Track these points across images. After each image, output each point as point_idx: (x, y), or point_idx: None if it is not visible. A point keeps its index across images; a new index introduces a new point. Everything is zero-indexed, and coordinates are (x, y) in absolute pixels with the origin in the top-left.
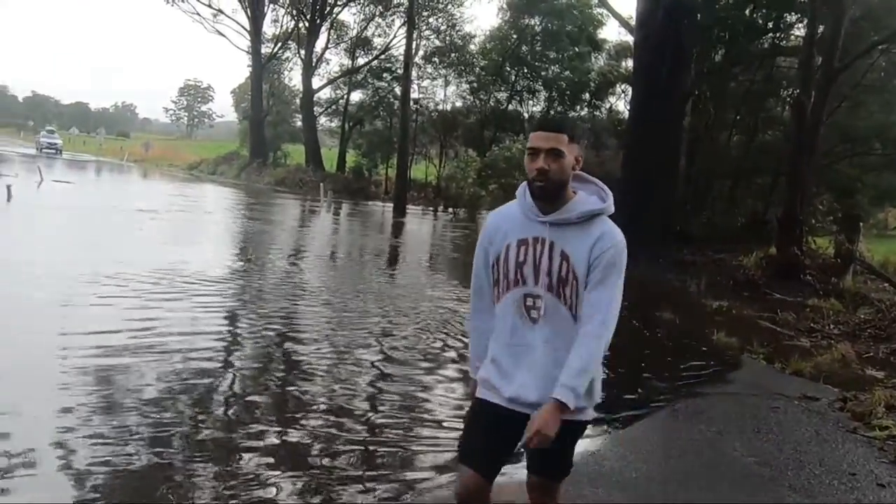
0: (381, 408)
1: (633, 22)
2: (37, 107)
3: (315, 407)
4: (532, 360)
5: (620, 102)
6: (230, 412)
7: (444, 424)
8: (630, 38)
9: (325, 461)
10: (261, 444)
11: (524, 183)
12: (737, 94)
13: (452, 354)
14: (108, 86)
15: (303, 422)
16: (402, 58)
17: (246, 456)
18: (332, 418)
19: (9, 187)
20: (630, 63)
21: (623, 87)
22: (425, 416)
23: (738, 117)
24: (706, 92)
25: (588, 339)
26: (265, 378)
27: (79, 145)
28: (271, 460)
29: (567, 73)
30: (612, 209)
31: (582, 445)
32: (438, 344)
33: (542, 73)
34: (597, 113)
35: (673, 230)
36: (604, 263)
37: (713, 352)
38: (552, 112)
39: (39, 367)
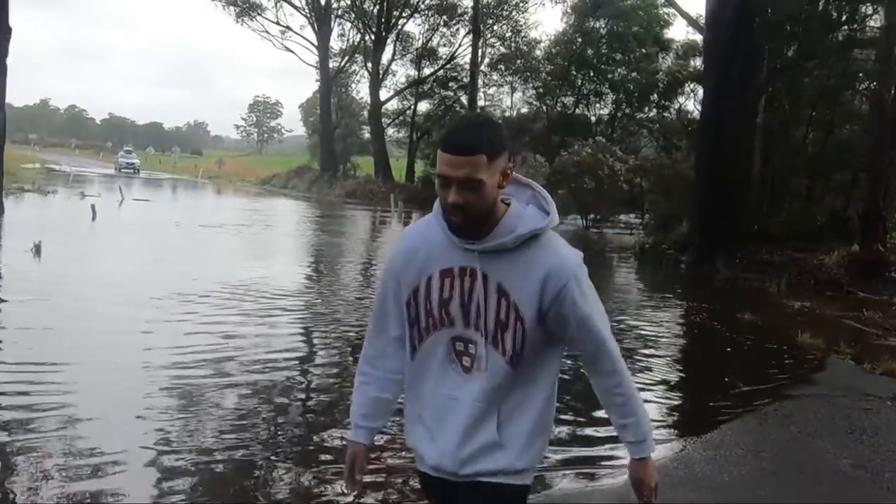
0: None
1: (701, 21)
2: (114, 128)
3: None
4: (457, 419)
5: (690, 102)
6: (307, 417)
7: None
8: (698, 37)
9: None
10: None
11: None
12: (812, 89)
13: None
14: (181, 105)
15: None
16: (467, 66)
17: (323, 458)
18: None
19: (93, 206)
20: (699, 62)
21: (692, 86)
22: None
23: (813, 113)
24: (780, 88)
25: (621, 392)
26: (339, 385)
27: (155, 164)
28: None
29: (634, 74)
30: (555, 223)
31: (670, 449)
32: None
33: (609, 76)
34: (666, 114)
35: (750, 230)
36: (570, 303)
37: (798, 353)
38: (465, 122)
39: (125, 377)
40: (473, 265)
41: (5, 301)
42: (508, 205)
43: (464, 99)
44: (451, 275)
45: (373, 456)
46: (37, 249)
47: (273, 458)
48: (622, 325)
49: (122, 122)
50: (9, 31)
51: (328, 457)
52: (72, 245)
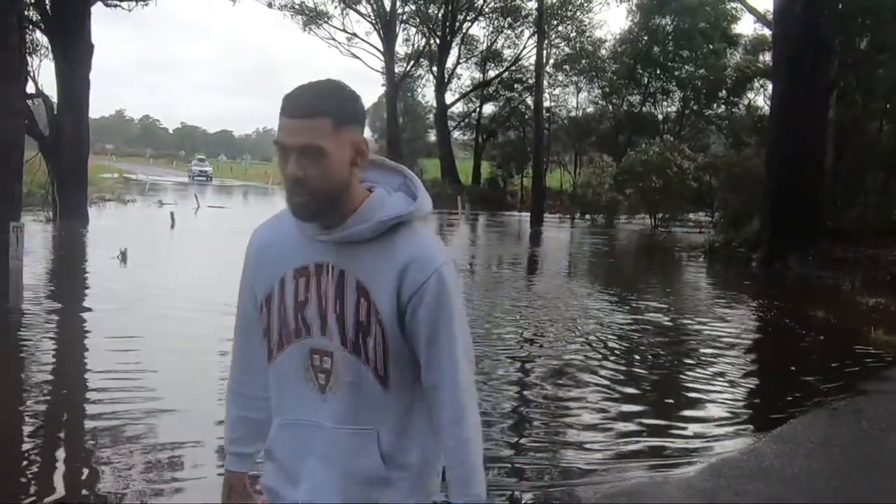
0: (524, 419)
1: (769, 15)
2: (186, 137)
3: None
4: (323, 448)
5: (760, 97)
6: None
7: (586, 442)
8: (767, 31)
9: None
10: None
11: None
12: (885, 82)
13: (605, 369)
14: (250, 113)
15: None
16: (532, 68)
17: None
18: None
19: (172, 214)
20: (768, 56)
21: (762, 81)
22: (570, 431)
23: (888, 106)
24: (852, 82)
25: (456, 432)
26: None
27: (226, 171)
28: None
29: (702, 71)
30: (425, 210)
31: (741, 443)
32: (581, 356)
33: (676, 73)
34: (735, 110)
35: (823, 227)
36: (426, 305)
37: (871, 350)
38: (309, 84)
39: (207, 384)
40: (328, 260)
41: (92, 310)
42: (371, 191)
43: (529, 100)
44: (306, 273)
45: (258, 488)
46: (123, 257)
47: None
48: (692, 325)
49: (193, 130)
50: (91, 47)
51: None
52: (154, 252)
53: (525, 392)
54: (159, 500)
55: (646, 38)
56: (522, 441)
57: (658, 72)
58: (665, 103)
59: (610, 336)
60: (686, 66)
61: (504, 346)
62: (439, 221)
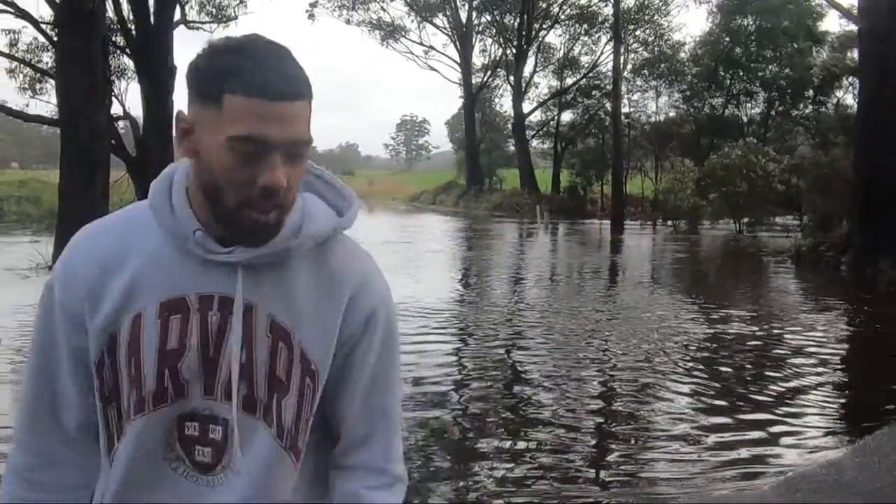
0: (606, 429)
1: (855, 11)
2: None
3: (541, 421)
4: None
5: (849, 96)
6: (461, 433)
7: (684, 450)
8: (854, 28)
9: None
10: (493, 454)
11: (162, 180)
12: None
13: (689, 378)
14: (333, 128)
15: (530, 434)
16: (610, 74)
17: (480, 464)
18: (558, 433)
19: None
20: (856, 54)
21: (850, 79)
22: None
23: None
24: None
25: (384, 497)
26: (492, 396)
27: None
28: (504, 468)
29: (787, 70)
30: (355, 217)
31: (821, 456)
32: (664, 366)
33: (760, 74)
34: (822, 109)
35: None
36: (372, 348)
37: None
38: (268, 47)
39: None
40: (227, 290)
41: None
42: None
43: (608, 106)
44: (181, 308)
45: None
46: None
47: (426, 471)
48: (779, 332)
49: None
50: (174, 69)
51: (482, 470)
52: None
53: (608, 403)
54: None
55: (727, 39)
56: (605, 453)
57: (741, 73)
58: (749, 105)
59: (694, 345)
60: (770, 67)
61: (586, 356)
62: (520, 231)
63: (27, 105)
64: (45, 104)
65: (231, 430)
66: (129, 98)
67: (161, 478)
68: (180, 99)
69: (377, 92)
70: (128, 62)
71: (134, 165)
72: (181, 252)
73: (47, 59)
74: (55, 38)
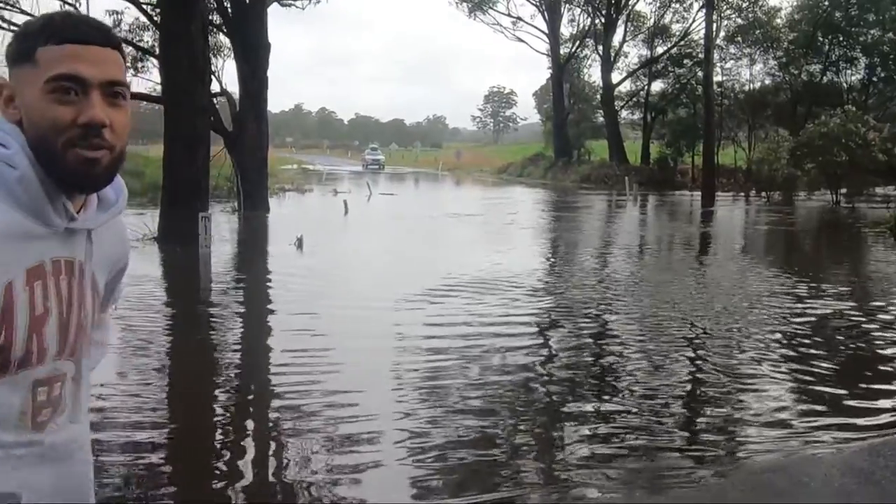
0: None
1: None
2: (360, 127)
3: (625, 401)
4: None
5: None
6: (551, 409)
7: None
8: None
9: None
10: (577, 434)
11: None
12: None
13: (783, 349)
14: (420, 101)
15: (614, 415)
16: (702, 42)
17: (569, 450)
18: (639, 416)
19: (345, 202)
20: None
21: None
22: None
23: None
24: None
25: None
26: (575, 374)
27: (398, 159)
28: (588, 450)
29: (890, 34)
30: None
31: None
32: (759, 337)
33: (861, 39)
34: None
35: None
36: (123, 269)
37: None
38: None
39: (382, 369)
40: (75, 254)
41: (272, 291)
42: None
43: (700, 75)
44: (41, 275)
45: None
46: (299, 243)
47: (516, 449)
48: (879, 306)
49: (367, 120)
50: (268, 46)
51: (574, 448)
52: (328, 239)
53: (700, 374)
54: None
55: (826, 3)
56: (698, 420)
57: (840, 38)
58: (849, 72)
59: (788, 320)
60: (873, 31)
61: (675, 330)
62: (608, 203)
63: (129, 83)
64: (146, 82)
65: (65, 385)
66: (225, 75)
67: (11, 441)
68: (274, 74)
69: (465, 64)
70: (224, 40)
71: (230, 140)
72: (37, 219)
73: (148, 39)
74: (156, 19)
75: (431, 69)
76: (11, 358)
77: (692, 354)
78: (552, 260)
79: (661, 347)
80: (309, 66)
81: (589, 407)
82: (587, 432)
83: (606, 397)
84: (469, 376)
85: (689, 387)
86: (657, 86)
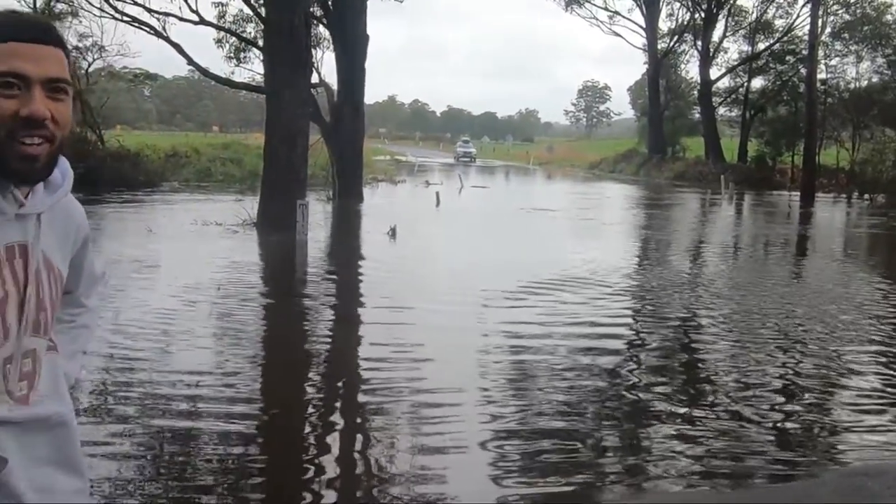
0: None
1: None
2: (452, 120)
3: (709, 398)
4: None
5: None
6: (635, 404)
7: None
8: None
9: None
10: (663, 430)
11: None
12: None
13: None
14: (513, 94)
15: (702, 409)
16: (806, 38)
17: (649, 442)
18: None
19: (437, 194)
20: None
21: None
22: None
23: None
24: None
25: (93, 316)
26: (668, 367)
27: (489, 152)
28: (676, 440)
29: None
30: (72, 180)
31: None
32: (858, 342)
33: None
34: None
35: None
36: (90, 249)
37: None
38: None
39: (468, 361)
40: (25, 238)
41: (364, 280)
42: None
43: (803, 72)
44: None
45: None
46: (392, 233)
47: (599, 443)
48: None
49: (459, 113)
50: (367, 38)
51: (661, 444)
52: (421, 229)
53: (793, 379)
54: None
55: None
56: (791, 424)
57: None
58: None
59: (889, 330)
60: None
61: (768, 334)
62: (702, 201)
63: (232, 73)
64: (248, 72)
65: (38, 360)
66: (324, 66)
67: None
68: (370, 66)
69: (558, 59)
70: (323, 31)
71: (328, 130)
72: None
73: (251, 30)
74: (260, 11)
75: (525, 63)
76: None
77: (786, 359)
78: (643, 259)
79: (755, 352)
80: (403, 59)
81: (678, 409)
82: (672, 432)
83: (693, 401)
84: (556, 377)
85: (782, 392)
86: (757, 82)
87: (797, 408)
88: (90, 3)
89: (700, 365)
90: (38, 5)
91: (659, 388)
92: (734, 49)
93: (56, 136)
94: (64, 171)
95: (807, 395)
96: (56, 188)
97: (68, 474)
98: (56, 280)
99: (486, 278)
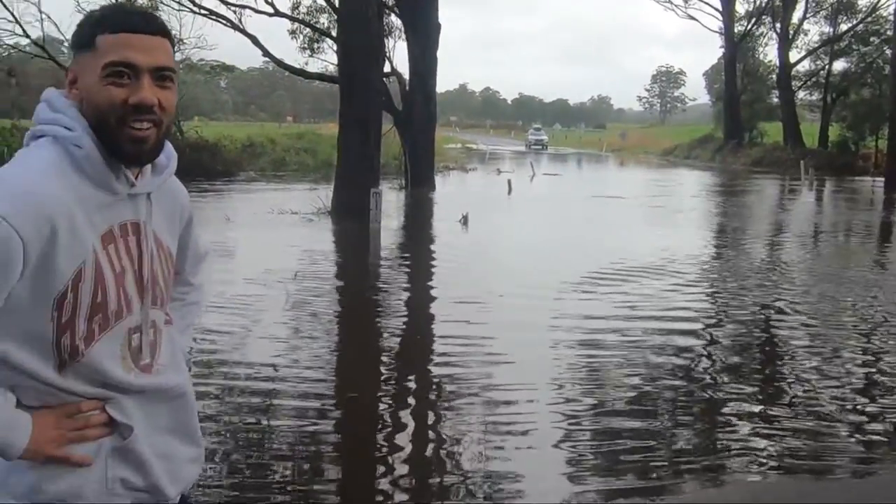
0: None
1: None
2: (523, 107)
3: (786, 393)
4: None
5: None
6: (710, 400)
7: None
8: None
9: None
10: (740, 423)
11: (61, 136)
12: None
13: None
14: (584, 81)
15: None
16: (891, 18)
17: (723, 440)
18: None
19: (510, 182)
20: None
21: None
22: None
23: None
24: None
25: (201, 293)
26: (744, 363)
27: (561, 140)
28: (751, 434)
29: None
30: (176, 162)
31: None
32: None
33: None
34: None
35: None
36: (193, 226)
37: None
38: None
39: (539, 351)
40: (137, 217)
41: (437, 267)
42: None
43: (889, 53)
44: (113, 239)
45: None
46: (465, 221)
47: (672, 446)
48: None
49: (530, 100)
50: (438, 27)
51: (731, 445)
52: (493, 217)
53: (870, 382)
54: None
55: None
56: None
57: None
58: None
59: None
60: None
61: (849, 326)
62: (781, 188)
63: (306, 63)
64: (322, 62)
65: (158, 331)
66: (396, 55)
67: (122, 386)
68: (440, 54)
69: (630, 44)
70: (395, 21)
71: (400, 119)
72: (100, 188)
73: (324, 20)
74: (332, 1)
75: (596, 49)
76: (108, 312)
77: (868, 357)
78: (719, 247)
79: (835, 348)
80: (474, 46)
81: (753, 408)
82: (747, 431)
83: (770, 398)
84: (630, 372)
85: (863, 391)
86: (839, 65)
87: (883, 403)
88: None
89: (777, 361)
90: (118, 0)
91: (734, 385)
92: (815, 31)
93: (163, 120)
94: (169, 153)
95: (892, 390)
96: (162, 169)
97: (186, 443)
98: (167, 257)
99: (560, 268)
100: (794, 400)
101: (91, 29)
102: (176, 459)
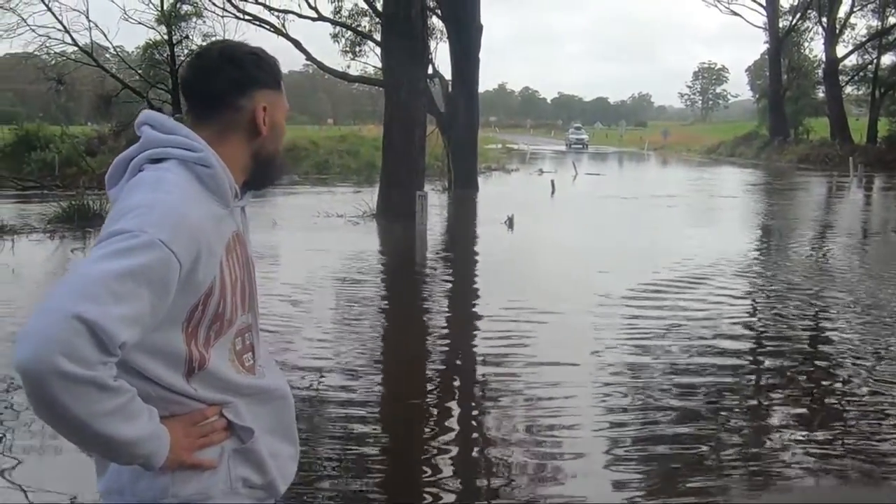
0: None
1: None
2: (563, 106)
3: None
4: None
5: None
6: (758, 409)
7: None
8: None
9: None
10: (783, 432)
11: (197, 159)
12: None
13: None
14: (625, 79)
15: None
16: None
17: (771, 447)
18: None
19: (553, 182)
20: None
21: None
22: None
23: None
24: None
25: None
26: (793, 379)
27: (602, 138)
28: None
29: None
30: None
31: None
32: None
33: None
34: None
35: None
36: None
37: None
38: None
39: (583, 351)
40: (238, 227)
41: (481, 270)
42: None
43: None
44: (231, 248)
45: None
46: (510, 222)
47: (721, 453)
48: None
49: (570, 99)
50: (480, 28)
51: (778, 453)
52: (537, 218)
53: None
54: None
55: None
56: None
57: None
58: None
59: None
60: None
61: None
62: (829, 185)
63: (348, 66)
64: (363, 65)
65: (257, 335)
66: (437, 56)
67: (238, 389)
68: (486, 56)
69: (671, 40)
70: (437, 22)
71: (443, 120)
72: (220, 205)
73: (365, 24)
74: (374, 4)
75: (636, 46)
76: (224, 319)
77: None
78: (767, 248)
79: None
80: (512, 46)
81: (801, 411)
82: (800, 438)
83: (821, 406)
84: (675, 380)
85: None
86: (888, 59)
87: None
88: (213, 4)
89: (825, 367)
90: (164, 7)
91: (781, 393)
92: (862, 24)
93: None
94: None
95: None
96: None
97: (287, 442)
98: (254, 265)
99: (605, 271)
100: (845, 410)
101: (278, 71)
102: (281, 458)
